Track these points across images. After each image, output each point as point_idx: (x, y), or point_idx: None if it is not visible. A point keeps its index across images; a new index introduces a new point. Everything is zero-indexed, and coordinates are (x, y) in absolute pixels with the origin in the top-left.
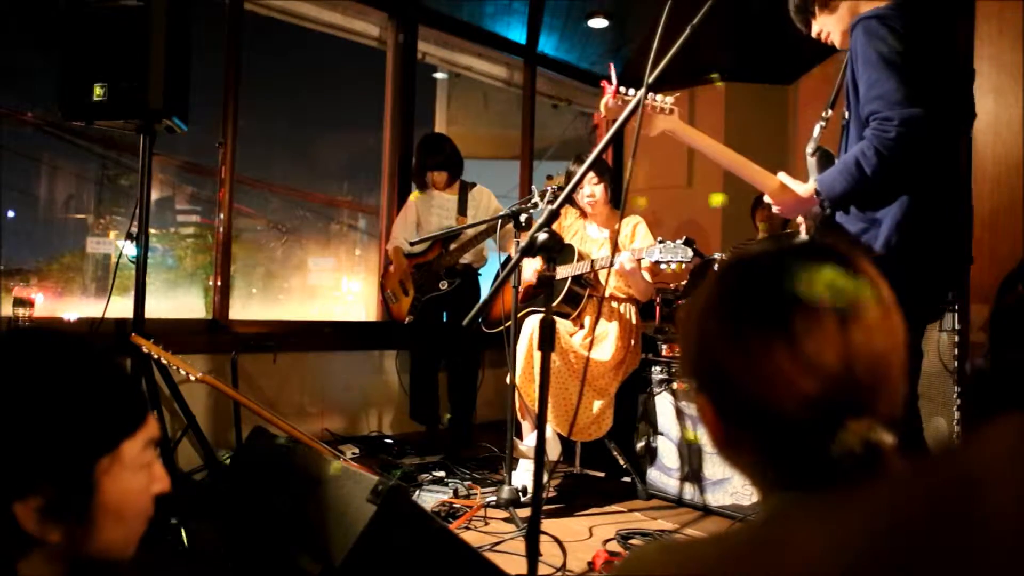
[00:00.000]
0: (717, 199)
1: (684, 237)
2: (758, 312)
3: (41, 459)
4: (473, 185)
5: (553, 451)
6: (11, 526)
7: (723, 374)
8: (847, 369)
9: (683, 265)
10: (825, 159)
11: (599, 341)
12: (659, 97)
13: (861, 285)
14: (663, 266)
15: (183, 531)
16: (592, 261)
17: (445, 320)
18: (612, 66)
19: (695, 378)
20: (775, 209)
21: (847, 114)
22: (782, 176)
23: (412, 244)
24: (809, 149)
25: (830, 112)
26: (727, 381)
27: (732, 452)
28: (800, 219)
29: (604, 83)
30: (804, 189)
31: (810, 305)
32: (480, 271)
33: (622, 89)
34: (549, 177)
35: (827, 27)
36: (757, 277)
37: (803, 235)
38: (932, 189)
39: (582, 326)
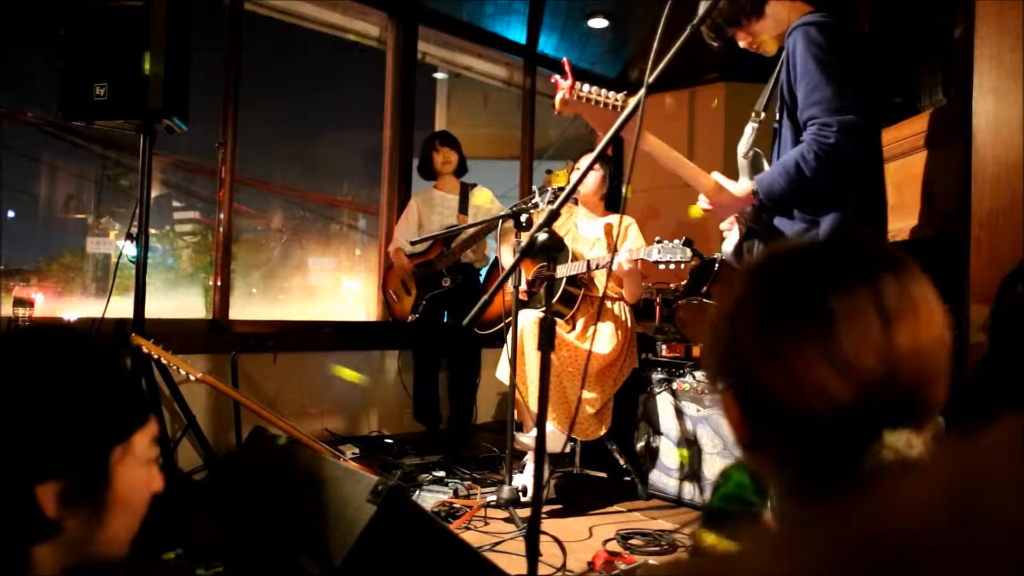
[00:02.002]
0: (696, 211)
1: (684, 238)
2: (794, 309)
3: (63, 444)
4: (474, 186)
5: (556, 444)
6: (33, 509)
7: (753, 372)
8: (889, 374)
9: (682, 266)
10: (756, 160)
11: (595, 336)
12: (611, 94)
13: (905, 283)
14: (661, 266)
15: (183, 532)
16: (588, 261)
17: (446, 320)
18: (567, 61)
19: (723, 376)
20: (705, 206)
21: (780, 116)
22: (716, 176)
23: (412, 244)
24: (742, 149)
25: (763, 115)
26: (757, 380)
27: (755, 454)
28: (731, 219)
29: (556, 79)
30: (740, 189)
31: (850, 303)
32: (481, 270)
33: (578, 84)
34: (548, 172)
35: (761, 33)
36: (794, 273)
37: (735, 235)
38: (868, 191)
39: (574, 327)
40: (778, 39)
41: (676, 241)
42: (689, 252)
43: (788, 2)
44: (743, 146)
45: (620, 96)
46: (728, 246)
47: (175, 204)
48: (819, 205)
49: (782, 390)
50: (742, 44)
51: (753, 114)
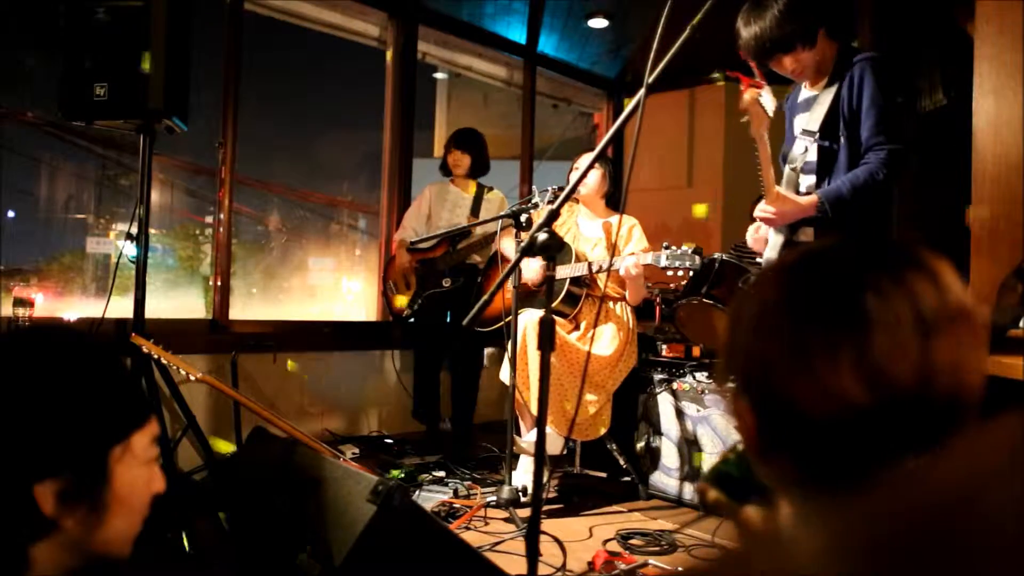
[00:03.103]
0: (701, 210)
1: (693, 246)
2: (826, 310)
3: (61, 443)
4: (490, 189)
5: (555, 447)
6: (30, 508)
7: (777, 379)
8: (923, 385)
9: (690, 272)
10: (799, 176)
11: (597, 338)
12: (769, 101)
13: (944, 290)
14: (670, 272)
15: (183, 532)
16: (590, 264)
17: (448, 320)
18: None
19: (739, 378)
20: (766, 214)
21: (842, 139)
22: (779, 188)
23: (413, 243)
24: (796, 164)
25: (816, 134)
26: (780, 386)
27: (766, 462)
28: (755, 229)
29: (734, 73)
30: (806, 200)
31: (886, 309)
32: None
33: (763, 94)
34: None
35: (808, 62)
36: (829, 275)
37: (776, 244)
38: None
39: (577, 327)
40: (816, 70)
41: (685, 247)
42: (698, 259)
43: (829, 37)
44: (799, 162)
45: (775, 104)
46: (771, 253)
47: (210, 208)
48: (870, 219)
49: (807, 397)
50: (788, 67)
51: (804, 133)
